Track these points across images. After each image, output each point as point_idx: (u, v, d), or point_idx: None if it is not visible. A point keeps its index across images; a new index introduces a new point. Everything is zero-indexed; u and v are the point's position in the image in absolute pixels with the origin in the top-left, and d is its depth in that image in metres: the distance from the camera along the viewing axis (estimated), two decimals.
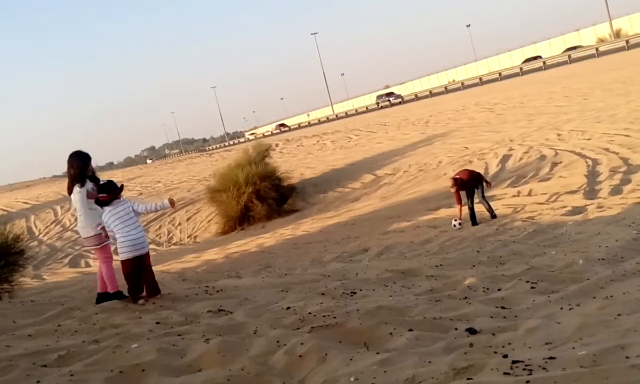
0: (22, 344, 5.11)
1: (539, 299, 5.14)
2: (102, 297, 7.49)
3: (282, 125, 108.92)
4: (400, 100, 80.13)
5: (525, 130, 23.98)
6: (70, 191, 7.63)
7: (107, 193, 7.26)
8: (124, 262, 7.15)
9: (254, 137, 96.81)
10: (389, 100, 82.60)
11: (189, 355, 4.37)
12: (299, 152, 39.96)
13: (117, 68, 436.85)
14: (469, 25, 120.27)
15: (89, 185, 7.56)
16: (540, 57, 73.82)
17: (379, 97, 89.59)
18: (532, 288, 5.62)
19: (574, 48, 72.02)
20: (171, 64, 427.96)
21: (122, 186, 7.51)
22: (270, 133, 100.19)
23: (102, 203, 7.26)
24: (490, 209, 12.44)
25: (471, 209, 12.26)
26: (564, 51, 72.52)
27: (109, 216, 7.17)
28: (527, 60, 75.22)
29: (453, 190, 12.26)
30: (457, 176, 12.42)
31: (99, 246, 7.58)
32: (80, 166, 7.54)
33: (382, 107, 79.92)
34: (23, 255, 10.55)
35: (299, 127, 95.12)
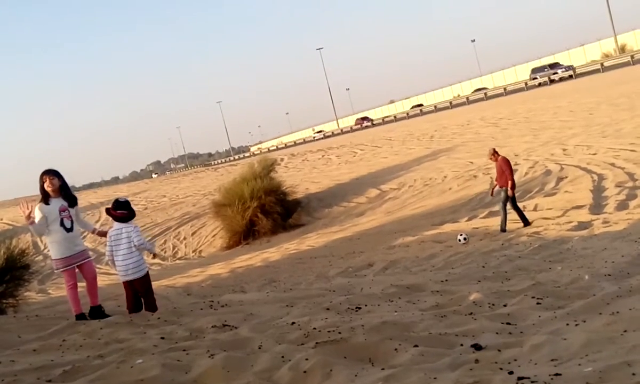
0: (27, 359, 5.10)
1: (544, 315, 5.12)
2: (94, 311, 7.50)
3: (365, 118, 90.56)
4: (570, 73, 60.24)
5: (530, 145, 23.98)
6: None
7: (127, 210, 7.33)
8: (122, 283, 7.34)
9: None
10: (555, 72, 61.88)
11: (194, 371, 4.35)
12: (304, 167, 40.01)
13: (123, 82, 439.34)
14: (474, 40, 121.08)
15: (57, 203, 7.33)
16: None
17: (535, 70, 66.09)
18: (537, 303, 5.59)
19: (482, 88, 73.68)
20: (177, 79, 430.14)
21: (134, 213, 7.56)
22: (329, 134, 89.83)
23: (120, 219, 7.30)
24: (504, 222, 12.52)
25: (517, 211, 12.69)
26: (475, 91, 73.09)
27: (115, 234, 7.24)
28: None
29: (491, 159, 12.92)
30: (500, 155, 12.88)
31: (58, 270, 7.50)
32: (39, 184, 7.43)
33: (539, 85, 61.20)
34: (28, 269, 10.55)
35: (383, 122, 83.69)
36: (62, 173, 7.59)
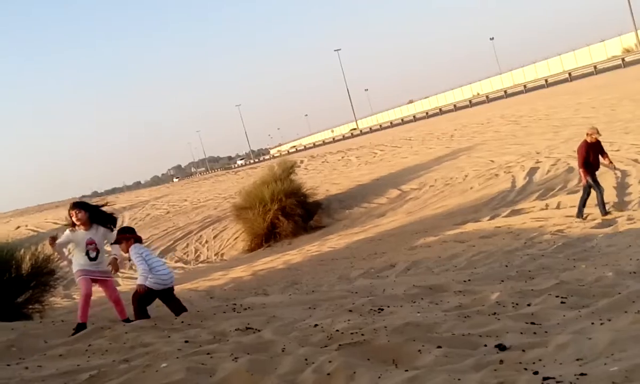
0: (54, 364, 5.17)
1: (569, 314, 5.07)
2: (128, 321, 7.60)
3: None
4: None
5: (552, 142, 23.76)
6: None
7: (131, 234, 7.63)
8: (144, 287, 7.36)
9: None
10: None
11: (218, 374, 4.38)
12: (324, 168, 40.03)
13: (142, 87, 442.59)
14: (493, 38, 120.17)
15: (85, 235, 7.38)
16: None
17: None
18: (562, 302, 5.55)
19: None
20: (196, 83, 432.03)
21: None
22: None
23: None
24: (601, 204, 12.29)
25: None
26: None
27: (145, 250, 7.56)
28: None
29: (593, 139, 12.38)
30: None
31: (78, 279, 7.47)
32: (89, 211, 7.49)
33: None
34: (53, 275, 10.69)
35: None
36: (89, 202, 7.77)
